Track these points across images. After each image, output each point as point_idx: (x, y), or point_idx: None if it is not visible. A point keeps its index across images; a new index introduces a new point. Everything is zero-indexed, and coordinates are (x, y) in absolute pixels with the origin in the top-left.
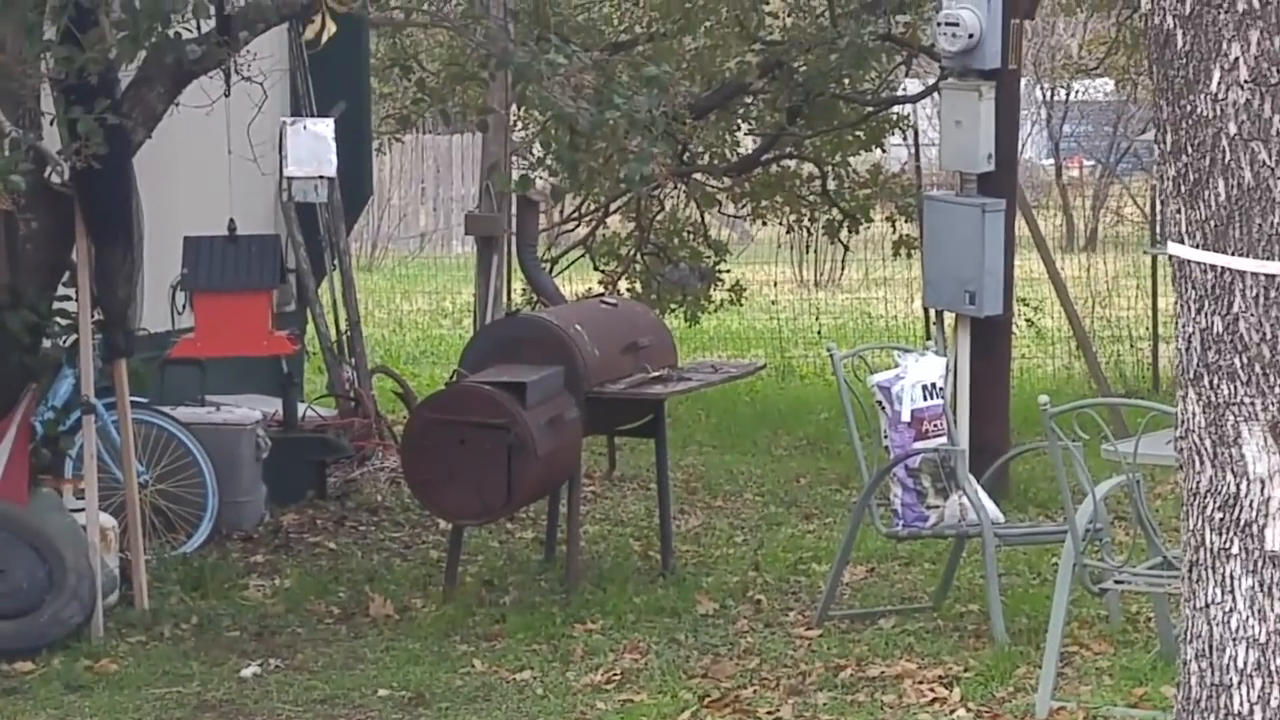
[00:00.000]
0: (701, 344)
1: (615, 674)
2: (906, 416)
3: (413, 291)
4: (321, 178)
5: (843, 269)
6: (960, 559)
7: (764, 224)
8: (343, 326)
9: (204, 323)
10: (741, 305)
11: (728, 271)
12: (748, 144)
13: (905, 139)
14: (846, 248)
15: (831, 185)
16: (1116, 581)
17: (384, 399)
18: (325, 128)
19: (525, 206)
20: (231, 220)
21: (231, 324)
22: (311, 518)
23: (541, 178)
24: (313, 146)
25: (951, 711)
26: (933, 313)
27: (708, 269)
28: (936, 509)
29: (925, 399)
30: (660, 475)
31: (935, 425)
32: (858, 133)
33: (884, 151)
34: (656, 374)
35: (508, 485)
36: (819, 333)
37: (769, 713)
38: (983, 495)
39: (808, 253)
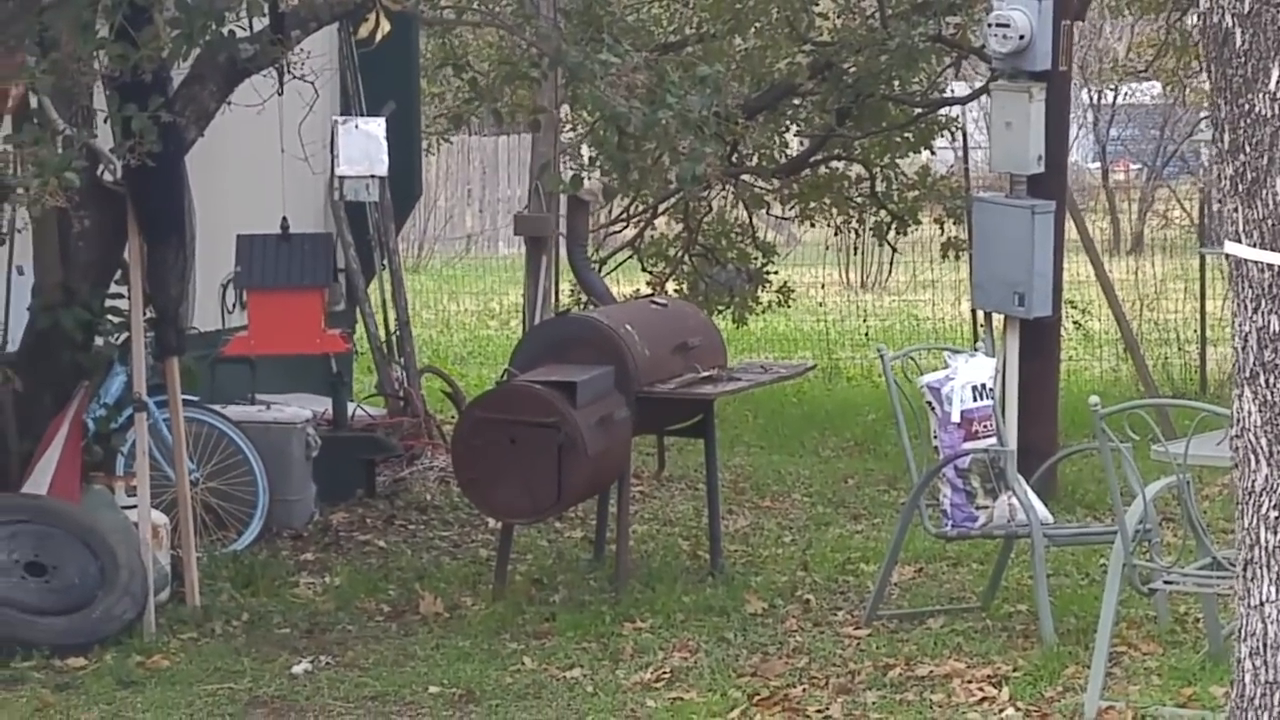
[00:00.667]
0: (749, 345)
1: (665, 672)
2: (956, 417)
3: (460, 292)
4: (373, 177)
5: (890, 271)
6: (1009, 559)
7: (811, 226)
8: (392, 326)
9: (257, 320)
10: (789, 307)
11: (775, 273)
12: (796, 145)
13: (953, 141)
14: (895, 249)
15: (880, 187)
16: (1166, 582)
17: (433, 398)
18: (377, 127)
19: (575, 206)
20: (284, 219)
21: (284, 322)
22: (361, 516)
23: (592, 177)
24: (364, 145)
25: (1000, 711)
26: (980, 314)
27: (755, 270)
28: (986, 509)
29: (975, 400)
30: (709, 475)
31: (985, 426)
32: (906, 134)
33: (932, 154)
34: (706, 374)
35: (558, 484)
36: (866, 334)
37: (818, 711)
38: (1032, 496)
39: (854, 255)
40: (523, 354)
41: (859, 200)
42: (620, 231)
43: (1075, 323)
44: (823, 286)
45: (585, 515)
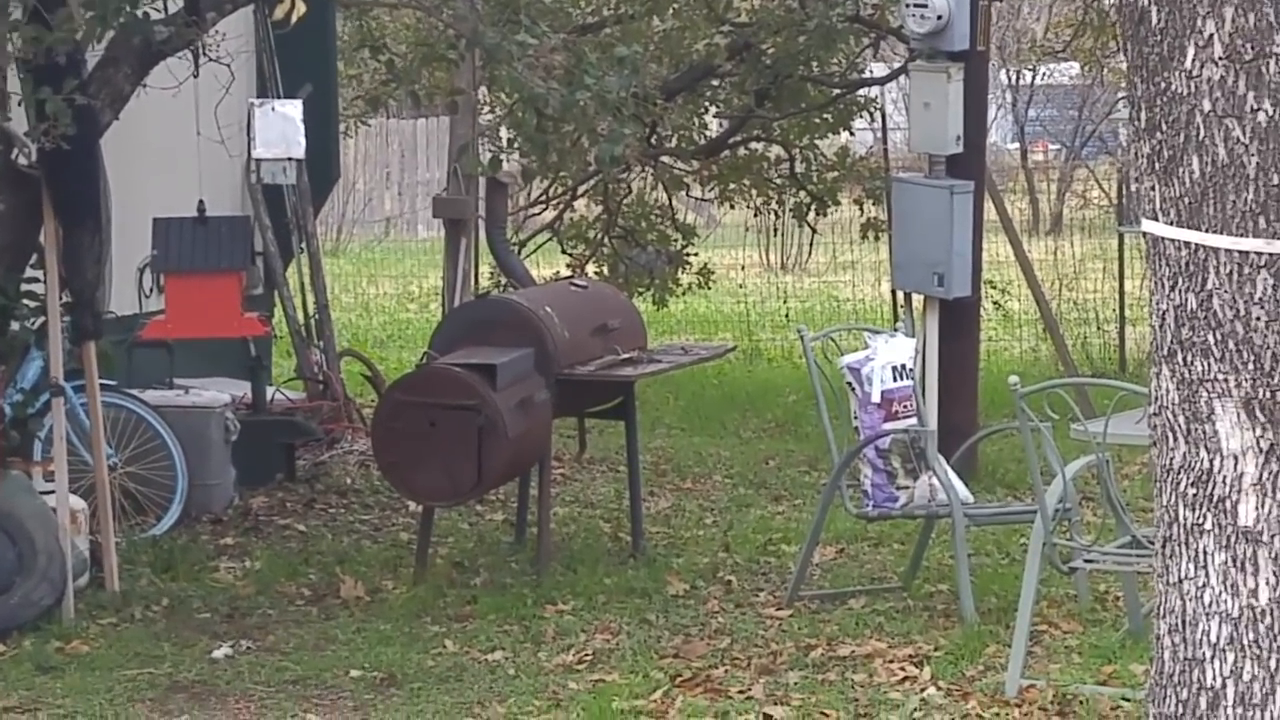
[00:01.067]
0: (669, 327)
1: (587, 654)
2: (876, 398)
3: (379, 276)
4: (290, 159)
5: (810, 253)
6: (930, 539)
7: (731, 208)
8: (310, 310)
9: (175, 304)
10: (709, 289)
11: (695, 255)
12: (715, 127)
13: (872, 122)
14: (814, 230)
15: (799, 168)
16: (1085, 561)
17: (352, 382)
18: (294, 109)
19: (494, 188)
20: (201, 202)
21: (202, 305)
22: (281, 500)
23: (511, 159)
24: (281, 128)
25: (922, 690)
26: (900, 295)
27: (675, 252)
28: (906, 489)
29: (895, 380)
30: (630, 457)
31: (905, 406)
32: (825, 115)
33: (851, 135)
34: (626, 356)
35: (478, 467)
36: (786, 316)
37: (740, 692)
38: (952, 476)
39: (774, 236)
40: (442, 336)
41: (778, 181)
42: (540, 213)
43: (995, 303)
44: (743, 268)
45: (506, 498)
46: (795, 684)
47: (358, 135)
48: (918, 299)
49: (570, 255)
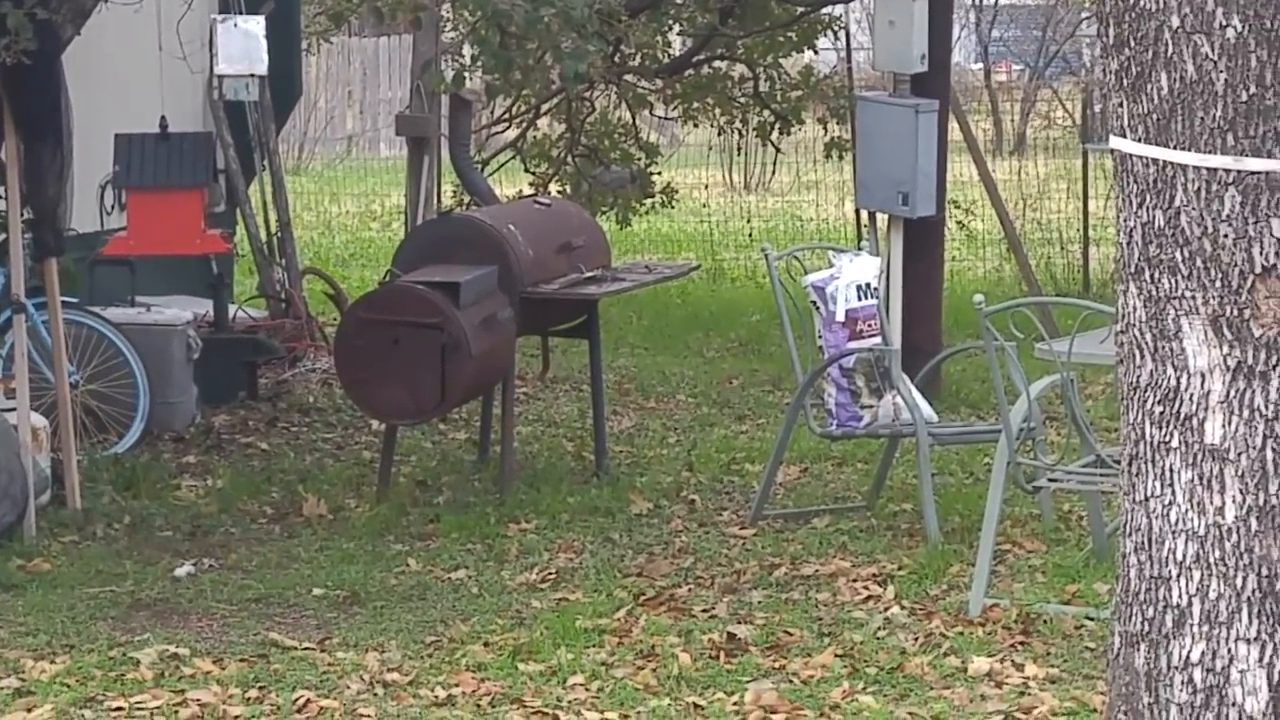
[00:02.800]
0: (633, 246)
1: (550, 573)
2: (841, 316)
3: (341, 194)
4: (253, 76)
5: (773, 172)
6: (894, 459)
7: (695, 127)
8: (273, 228)
9: (136, 220)
10: (673, 208)
11: (659, 174)
12: (679, 45)
13: (836, 41)
14: (778, 149)
15: (763, 87)
16: (1050, 480)
17: (315, 300)
18: (256, 25)
19: (458, 106)
20: (163, 118)
21: (164, 222)
22: (243, 419)
23: (475, 77)
24: (244, 44)
25: (885, 609)
26: (864, 214)
27: (640, 171)
28: (870, 409)
29: (860, 299)
30: (594, 376)
31: (869, 325)
32: (789, 34)
33: (815, 53)
34: (590, 274)
35: (441, 385)
36: (750, 235)
37: (704, 610)
38: (916, 395)
39: (738, 156)
40: (405, 254)
41: (742, 100)
42: (502, 132)
43: (959, 223)
44: (706, 188)
45: (469, 417)
46: (759, 603)
47: (319, 53)
48: (882, 218)
49: (533, 174)
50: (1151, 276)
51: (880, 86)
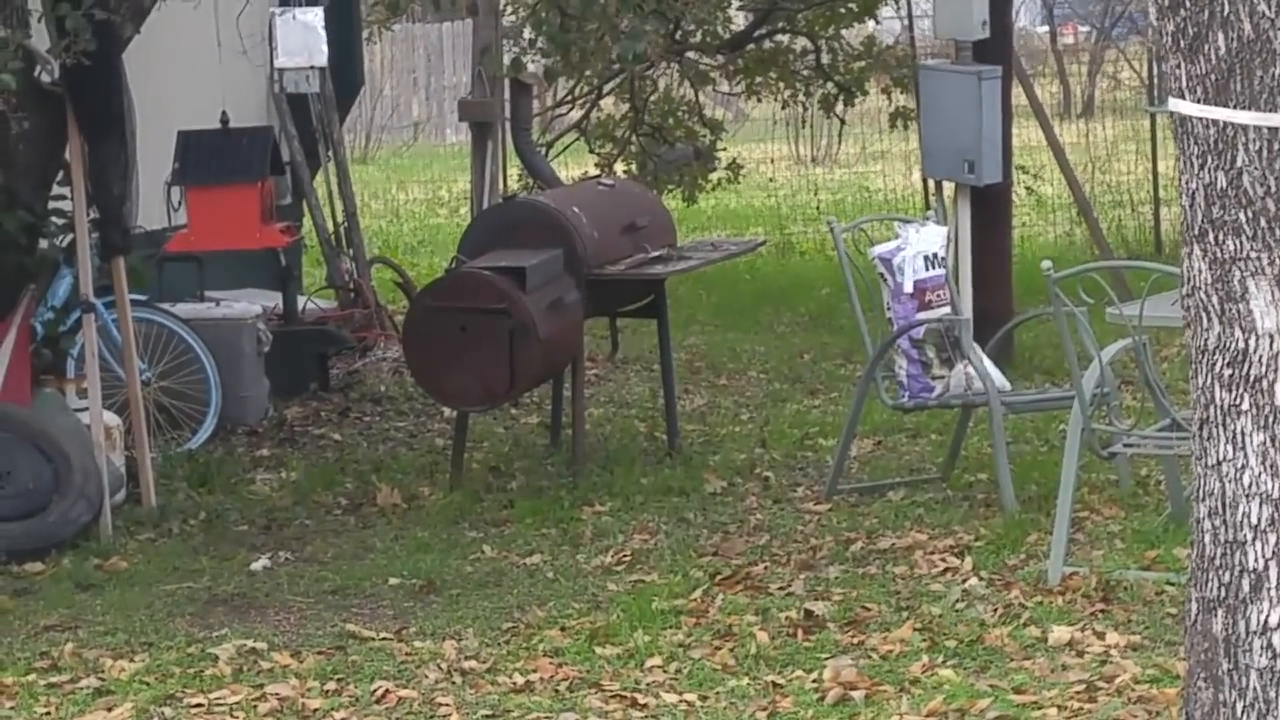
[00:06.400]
0: (700, 224)
1: (625, 555)
2: (909, 287)
3: (408, 181)
4: (313, 68)
5: (839, 144)
6: (967, 429)
7: (759, 101)
8: (339, 218)
9: (197, 217)
10: (739, 183)
11: (724, 150)
12: (740, 20)
13: (898, 9)
14: (843, 121)
15: (825, 59)
16: (1125, 445)
17: (384, 289)
18: (315, 17)
19: (518, 90)
20: (224, 113)
21: (223, 217)
22: (315, 410)
23: (534, 60)
24: (303, 36)
25: (964, 581)
26: (931, 183)
27: (704, 148)
28: (942, 379)
29: (927, 269)
30: (664, 355)
31: (938, 295)
32: (850, 5)
33: (877, 23)
34: (656, 254)
35: (510, 370)
36: (817, 209)
37: (780, 588)
38: (988, 364)
39: (803, 128)
40: (470, 240)
41: (805, 73)
42: (566, 114)
43: (1028, 188)
44: (772, 162)
45: (541, 401)
46: (835, 578)
47: (382, 41)
48: (949, 187)
49: (598, 155)
50: (1216, 238)
51: (944, 54)
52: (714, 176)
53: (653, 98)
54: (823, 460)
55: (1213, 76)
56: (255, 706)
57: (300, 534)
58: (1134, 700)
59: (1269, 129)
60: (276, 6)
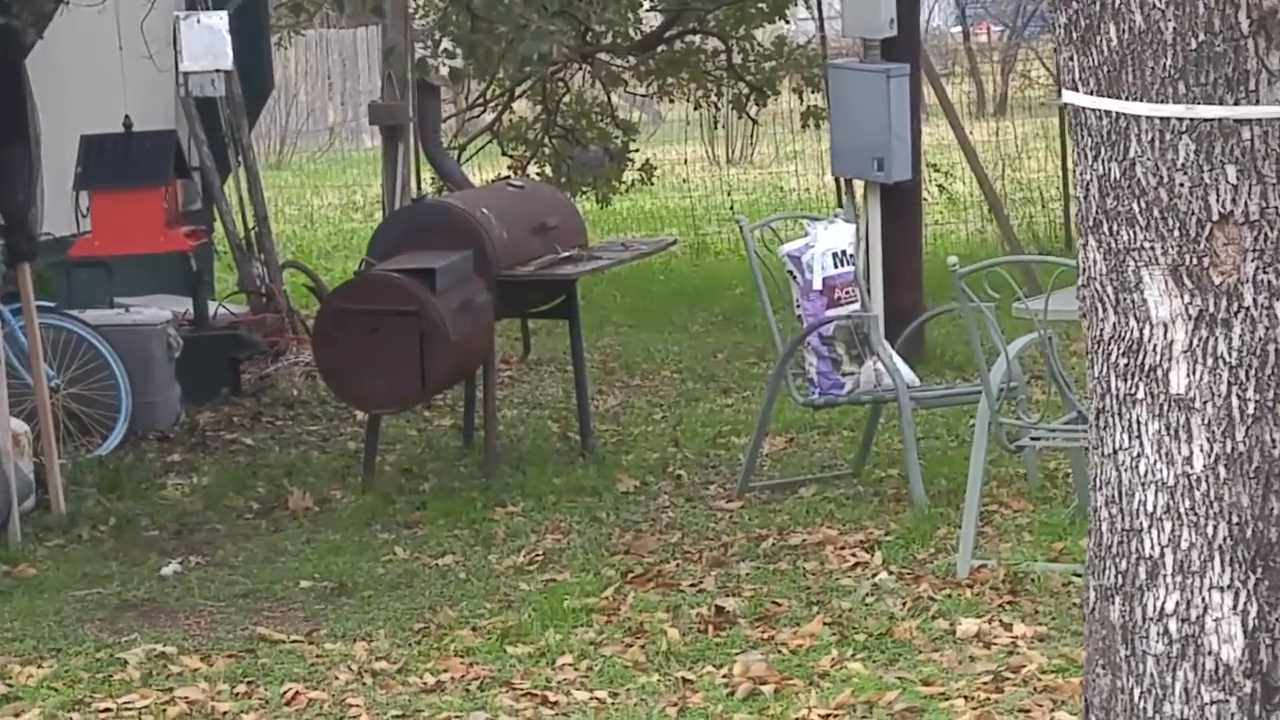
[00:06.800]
0: (616, 225)
1: (538, 555)
2: (818, 285)
3: (323, 186)
4: (218, 71)
5: (754, 145)
6: (878, 425)
7: (672, 103)
8: (250, 223)
9: (100, 221)
10: (652, 185)
11: (637, 151)
12: (652, 21)
13: (810, 9)
14: (755, 121)
15: (736, 59)
16: (1033, 438)
17: (296, 294)
18: (219, 20)
19: (425, 92)
20: (127, 117)
21: (128, 221)
22: (227, 415)
23: (443, 63)
24: (208, 40)
25: (874, 575)
26: (843, 182)
27: (617, 150)
28: (852, 375)
29: (836, 266)
30: (575, 356)
31: (847, 292)
32: (760, 5)
33: (787, 23)
34: (566, 254)
35: (421, 372)
36: (730, 209)
37: (692, 585)
38: (897, 360)
39: (715, 129)
40: (379, 243)
41: (716, 74)
42: (478, 116)
43: (940, 186)
44: (685, 163)
45: (454, 403)
46: (747, 575)
47: (296, 46)
48: (860, 184)
49: (511, 157)
50: (1110, 229)
51: (855, 54)
52: (627, 178)
53: (565, 100)
54: (735, 458)
55: (1105, 68)
56: (164, 710)
57: (211, 538)
58: (1040, 690)
59: (1161, 119)
60: (181, 10)
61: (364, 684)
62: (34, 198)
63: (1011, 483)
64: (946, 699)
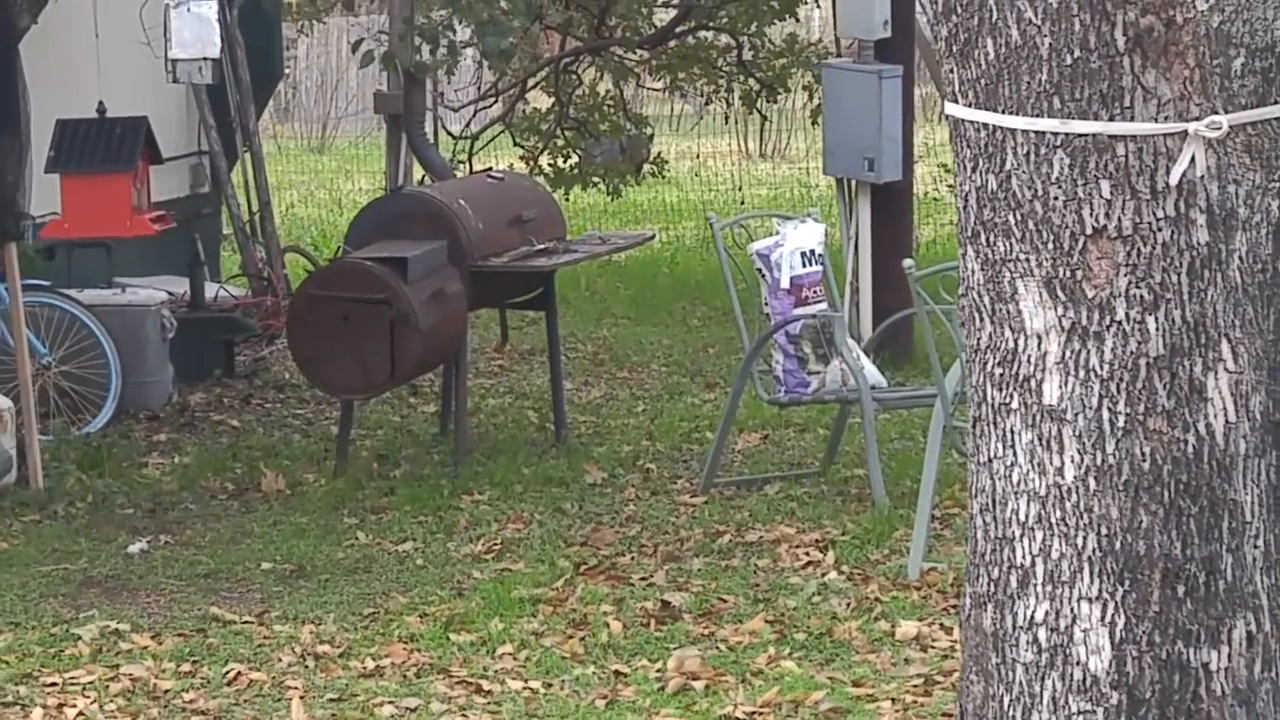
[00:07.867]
0: (634, 217)
1: (496, 544)
2: (786, 283)
3: (356, 172)
4: (205, 59)
5: (788, 140)
6: (847, 424)
7: (682, 96)
8: (254, 207)
9: (70, 204)
10: (664, 177)
11: (652, 140)
12: (662, 16)
13: (820, 7)
14: (764, 117)
15: (747, 56)
16: None
17: (297, 278)
18: (208, 9)
19: (411, 83)
20: (101, 102)
21: (95, 205)
22: (219, 396)
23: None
24: (196, 28)
25: (823, 575)
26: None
27: (628, 142)
28: (818, 375)
29: (804, 265)
30: (551, 347)
31: (815, 292)
32: (771, 2)
33: (797, 20)
34: (542, 247)
35: (391, 359)
36: (741, 203)
37: (642, 579)
38: (863, 359)
39: (726, 123)
40: (357, 231)
41: (726, 70)
42: (489, 107)
43: (950, 187)
44: (715, 157)
45: (439, 390)
46: (698, 570)
47: (345, 31)
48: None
49: (523, 148)
50: (987, 240)
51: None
52: (639, 171)
53: (577, 92)
54: (707, 453)
55: (983, 81)
56: (108, 686)
57: (183, 518)
58: None
59: (1036, 133)
60: None
61: (306, 667)
62: (23, 179)
63: None
64: (874, 700)
